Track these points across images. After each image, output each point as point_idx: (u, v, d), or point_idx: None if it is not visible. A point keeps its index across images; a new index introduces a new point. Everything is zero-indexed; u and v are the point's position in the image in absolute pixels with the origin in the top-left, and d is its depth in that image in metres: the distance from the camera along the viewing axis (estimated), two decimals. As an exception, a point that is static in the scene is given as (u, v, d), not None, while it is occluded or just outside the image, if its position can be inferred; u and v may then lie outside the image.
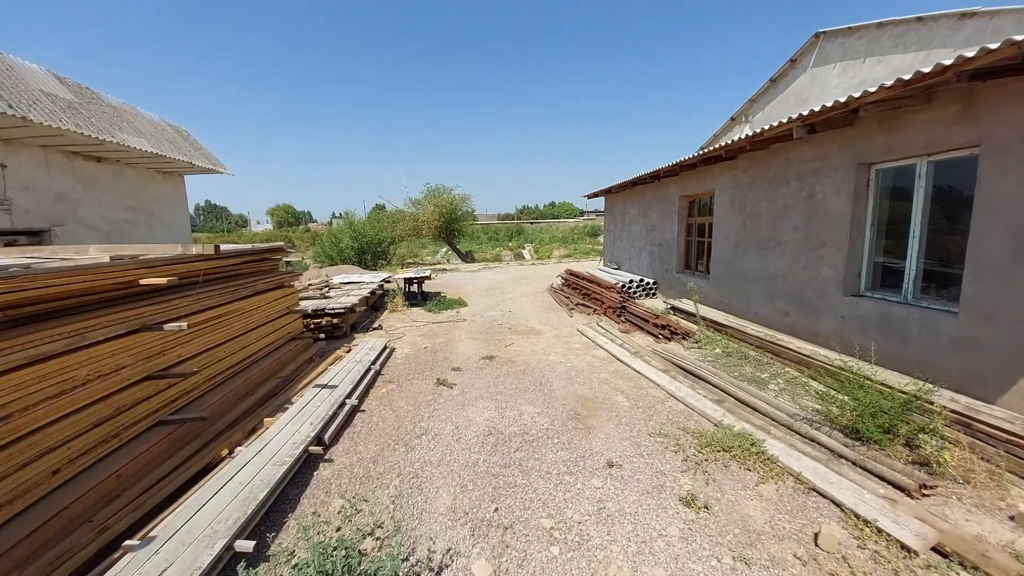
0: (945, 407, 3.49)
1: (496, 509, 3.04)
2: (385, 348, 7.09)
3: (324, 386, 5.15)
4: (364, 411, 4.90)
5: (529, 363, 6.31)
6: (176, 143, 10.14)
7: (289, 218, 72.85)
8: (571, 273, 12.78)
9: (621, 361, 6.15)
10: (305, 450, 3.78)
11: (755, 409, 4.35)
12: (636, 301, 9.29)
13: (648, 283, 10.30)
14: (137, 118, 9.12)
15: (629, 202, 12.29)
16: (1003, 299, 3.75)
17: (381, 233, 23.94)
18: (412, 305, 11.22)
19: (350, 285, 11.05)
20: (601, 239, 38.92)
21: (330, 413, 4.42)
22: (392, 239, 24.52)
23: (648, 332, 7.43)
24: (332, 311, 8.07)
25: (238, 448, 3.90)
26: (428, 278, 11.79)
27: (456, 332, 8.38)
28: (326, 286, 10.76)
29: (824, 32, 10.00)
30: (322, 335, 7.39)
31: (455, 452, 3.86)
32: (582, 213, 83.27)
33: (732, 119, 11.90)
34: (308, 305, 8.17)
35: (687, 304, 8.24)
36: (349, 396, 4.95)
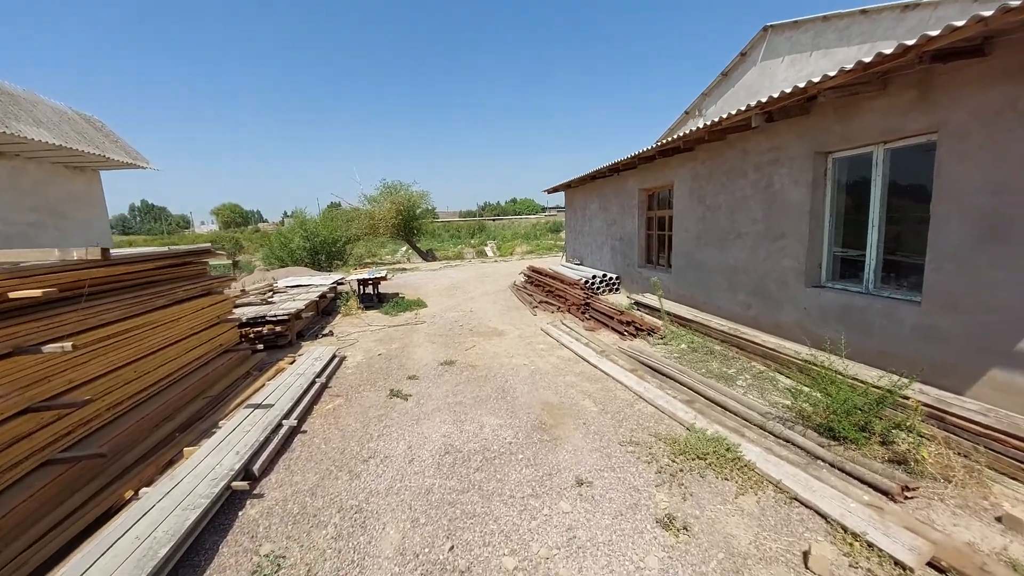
0: (918, 402, 3.36)
1: (451, 548, 2.62)
2: (334, 357, 6.48)
3: (258, 406, 4.54)
4: (305, 432, 4.34)
5: (491, 367, 5.91)
6: (87, 135, 8.99)
7: (236, 218, 68.90)
8: (533, 270, 12.47)
9: (587, 361, 5.85)
10: (227, 487, 3.21)
11: (726, 409, 4.14)
12: (600, 297, 9.07)
13: (611, 278, 10.12)
14: (38, 106, 7.96)
15: (589, 197, 12.10)
16: (965, 287, 3.68)
17: (335, 232, 22.80)
18: (367, 308, 10.55)
19: (297, 289, 10.25)
20: (563, 235, 39.09)
21: (262, 438, 3.85)
22: (347, 238, 23.41)
23: (613, 329, 7.19)
24: (274, 318, 7.35)
25: (144, 489, 3.27)
26: (384, 278, 11.14)
27: (414, 336, 7.85)
28: (269, 290, 9.92)
29: (772, 26, 10.12)
30: (260, 346, 6.67)
31: (407, 477, 3.40)
32: (544, 209, 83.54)
33: (687, 112, 11.94)
34: (246, 313, 7.41)
35: (651, 299, 8.08)
36: (287, 416, 4.38)
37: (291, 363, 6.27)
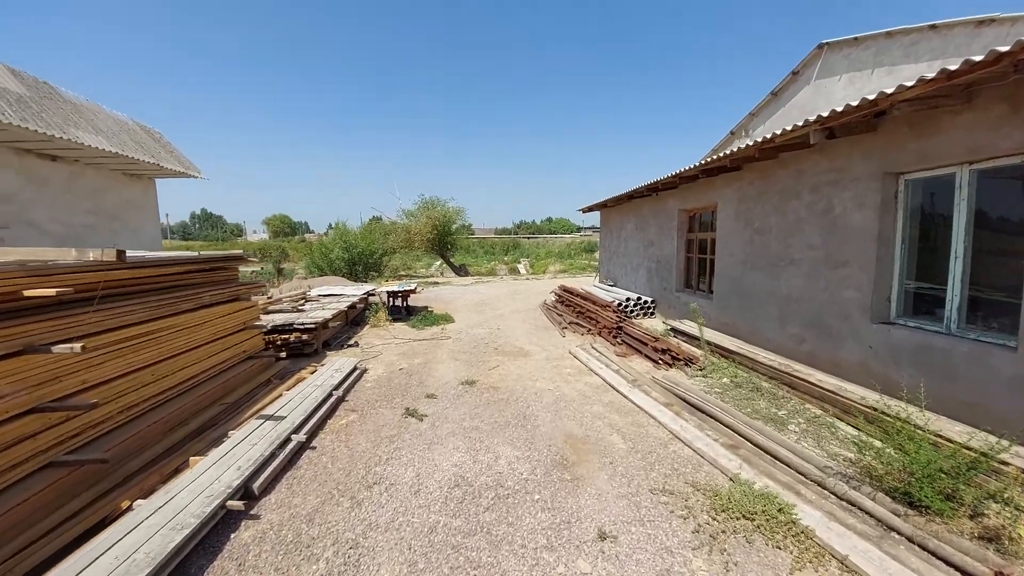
0: (1018, 468, 2.76)
1: (450, 604, 2.28)
2: (355, 369, 6.32)
3: (270, 417, 4.38)
4: (314, 448, 4.13)
5: (514, 390, 5.56)
6: (144, 144, 9.47)
7: (285, 228, 72.20)
8: (565, 289, 12.09)
9: (617, 391, 5.41)
10: (222, 506, 3.00)
11: (777, 458, 3.61)
12: (633, 321, 8.58)
13: (646, 302, 9.61)
14: (98, 115, 8.46)
15: (625, 217, 11.68)
16: (1080, 333, 3.06)
17: (372, 244, 23.27)
18: (395, 320, 10.47)
19: (329, 298, 10.31)
20: (598, 255, 38.45)
21: (267, 453, 3.65)
22: (384, 251, 23.83)
23: (647, 357, 6.70)
24: (301, 326, 7.31)
25: (139, 501, 3.11)
26: (414, 291, 11.07)
27: (438, 351, 7.63)
28: (302, 299, 10.01)
29: (828, 43, 9.54)
30: (283, 354, 6.59)
31: (410, 511, 3.09)
32: (579, 229, 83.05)
33: (732, 133, 11.40)
34: (275, 319, 7.42)
35: (689, 326, 7.54)
36: (297, 430, 4.18)
37: (312, 373, 6.15)
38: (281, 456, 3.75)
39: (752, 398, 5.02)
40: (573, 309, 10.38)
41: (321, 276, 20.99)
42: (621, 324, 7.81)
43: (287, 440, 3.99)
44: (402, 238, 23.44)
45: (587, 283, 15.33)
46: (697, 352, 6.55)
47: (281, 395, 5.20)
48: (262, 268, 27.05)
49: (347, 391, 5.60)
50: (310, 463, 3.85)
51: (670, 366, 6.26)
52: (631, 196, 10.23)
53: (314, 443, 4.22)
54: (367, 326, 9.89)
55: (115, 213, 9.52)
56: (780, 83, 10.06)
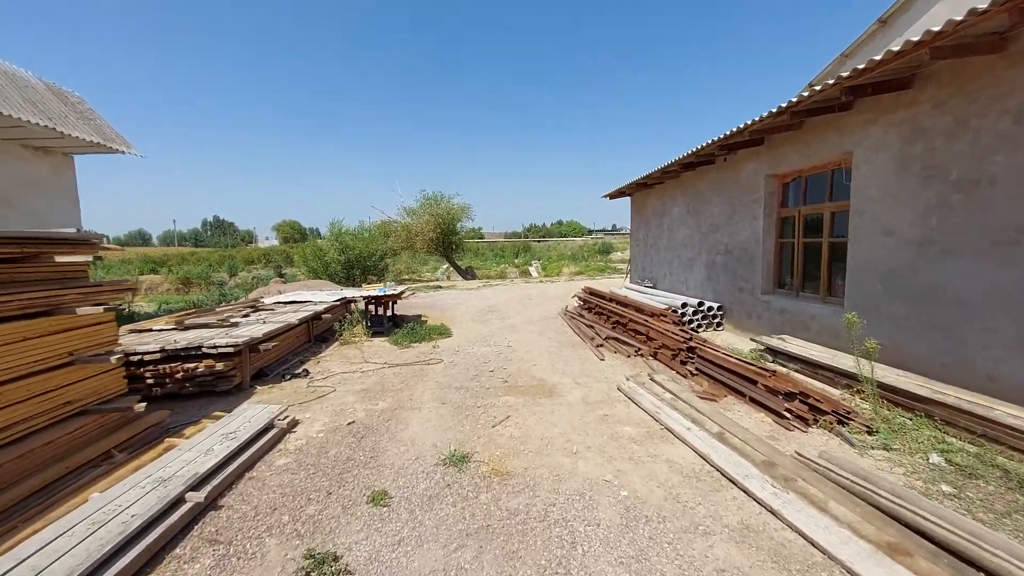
0: None
1: None
2: (270, 427, 3.70)
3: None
4: None
5: (538, 484, 2.89)
6: (44, 106, 7.02)
7: (295, 234, 70.62)
8: (592, 293, 9.38)
9: (744, 489, 2.70)
10: None
11: None
12: (702, 336, 5.84)
13: (711, 308, 6.86)
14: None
15: (669, 198, 8.95)
16: None
17: (370, 246, 20.78)
18: (376, 334, 7.88)
19: (289, 306, 7.74)
20: (614, 256, 35.51)
21: None
22: (383, 253, 21.33)
23: (757, 403, 3.97)
24: (213, 350, 4.73)
25: None
26: (400, 297, 8.45)
27: (419, 386, 4.98)
28: (250, 307, 7.45)
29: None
30: (148, 393, 3.97)
31: None
32: (590, 232, 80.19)
33: (844, 55, 8.33)
34: (178, 340, 4.85)
35: (798, 345, 4.80)
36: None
37: (202, 430, 3.57)
38: None
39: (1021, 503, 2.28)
40: (606, 319, 7.67)
41: (316, 279, 18.58)
42: (692, 344, 5.07)
43: None
44: (403, 238, 20.88)
45: (614, 285, 12.61)
46: (850, 401, 3.81)
47: (84, 501, 2.60)
48: (279, 273, 24.66)
49: (234, 481, 2.98)
50: None
51: (809, 424, 3.52)
52: (682, 167, 7.50)
53: None
54: (336, 343, 7.30)
55: (6, 196, 7.08)
56: (890, 8, 7.25)
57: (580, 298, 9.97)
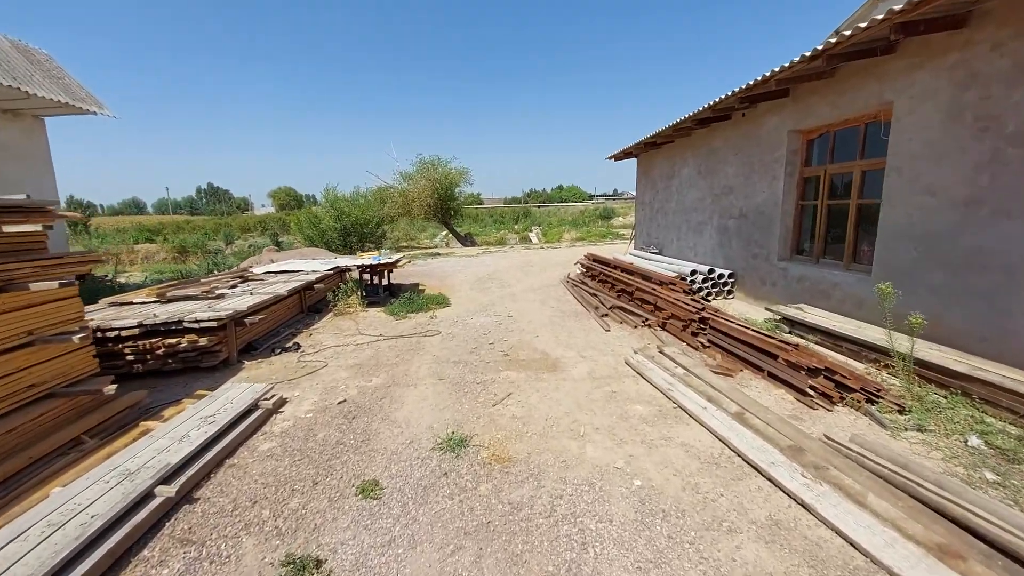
0: None
1: None
2: (253, 408, 3.45)
3: None
4: None
5: (542, 471, 2.64)
6: (13, 66, 6.43)
7: (291, 201, 69.25)
8: (595, 259, 9.01)
9: (771, 479, 2.45)
10: None
11: None
12: (713, 306, 5.53)
13: (722, 276, 6.52)
14: None
15: (679, 159, 8.42)
16: None
17: (367, 212, 20.19)
18: (371, 304, 7.59)
19: (280, 275, 7.41)
20: (615, 222, 34.78)
21: None
22: (379, 219, 20.76)
23: (776, 379, 3.70)
24: (196, 324, 4.43)
25: None
26: (396, 265, 8.10)
27: (415, 360, 4.72)
28: (238, 278, 7.11)
29: None
30: (129, 370, 3.70)
31: None
32: (591, 197, 78.59)
33: None
34: (157, 315, 4.54)
35: (814, 315, 4.50)
36: None
37: (181, 411, 3.32)
38: None
39: None
40: (611, 287, 7.34)
41: (312, 247, 18.16)
42: (704, 314, 4.76)
43: None
44: (399, 204, 20.26)
45: (615, 252, 12.23)
46: (877, 375, 3.53)
47: (47, 495, 2.35)
48: (276, 241, 24.30)
49: (210, 470, 2.73)
50: None
51: (834, 403, 3.25)
52: (695, 124, 6.94)
53: None
54: (330, 314, 7.02)
55: (-30, 161, 6.61)
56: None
57: (583, 265, 9.61)
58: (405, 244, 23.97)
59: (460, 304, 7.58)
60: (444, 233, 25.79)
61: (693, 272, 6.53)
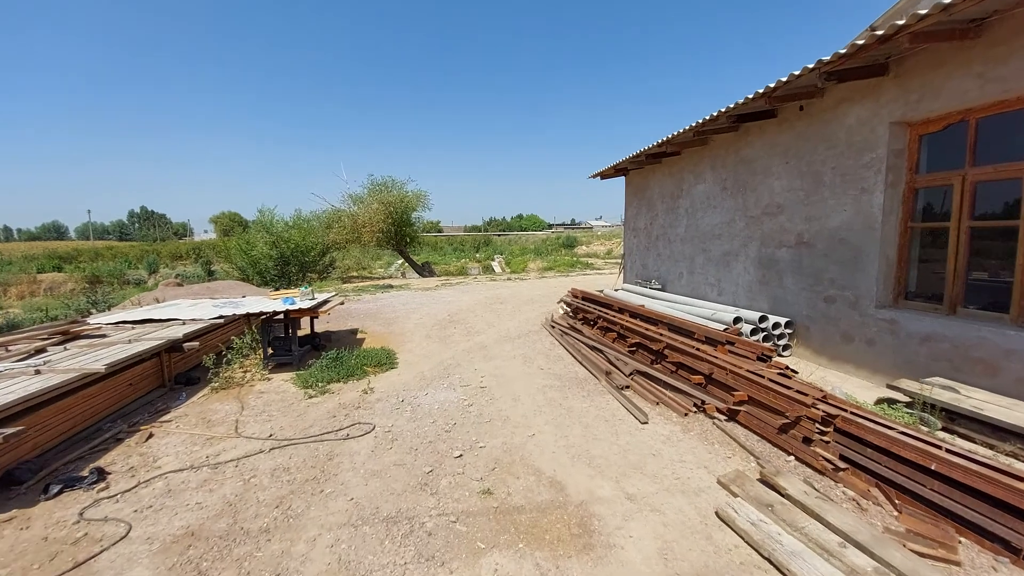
0: None
1: None
2: None
3: None
4: None
5: None
6: None
7: (235, 226, 64.00)
8: (585, 297, 7.05)
9: None
10: None
11: None
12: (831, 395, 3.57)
13: (776, 325, 4.67)
14: None
15: (689, 173, 6.73)
16: None
17: (309, 238, 17.43)
18: (281, 364, 5.17)
19: (138, 328, 4.84)
20: (579, 251, 33.46)
21: None
22: (324, 247, 18.03)
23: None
24: None
25: None
26: (318, 312, 5.65)
27: (308, 517, 2.39)
28: (62, 333, 4.47)
29: None
30: None
31: None
32: (550, 226, 78.34)
33: None
34: None
35: (987, 400, 2.64)
36: None
37: None
38: None
39: None
40: (617, 337, 5.34)
41: (227, 282, 15.11)
42: (828, 408, 2.77)
43: None
44: (348, 229, 17.71)
45: (599, 285, 10.40)
46: None
47: None
48: (208, 271, 20.87)
49: None
50: None
51: None
52: (728, 122, 5.22)
53: None
54: (207, 387, 4.53)
55: None
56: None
57: (568, 304, 7.62)
58: (355, 274, 21.22)
59: (411, 363, 5.29)
60: (400, 262, 23.28)
61: (737, 320, 4.66)
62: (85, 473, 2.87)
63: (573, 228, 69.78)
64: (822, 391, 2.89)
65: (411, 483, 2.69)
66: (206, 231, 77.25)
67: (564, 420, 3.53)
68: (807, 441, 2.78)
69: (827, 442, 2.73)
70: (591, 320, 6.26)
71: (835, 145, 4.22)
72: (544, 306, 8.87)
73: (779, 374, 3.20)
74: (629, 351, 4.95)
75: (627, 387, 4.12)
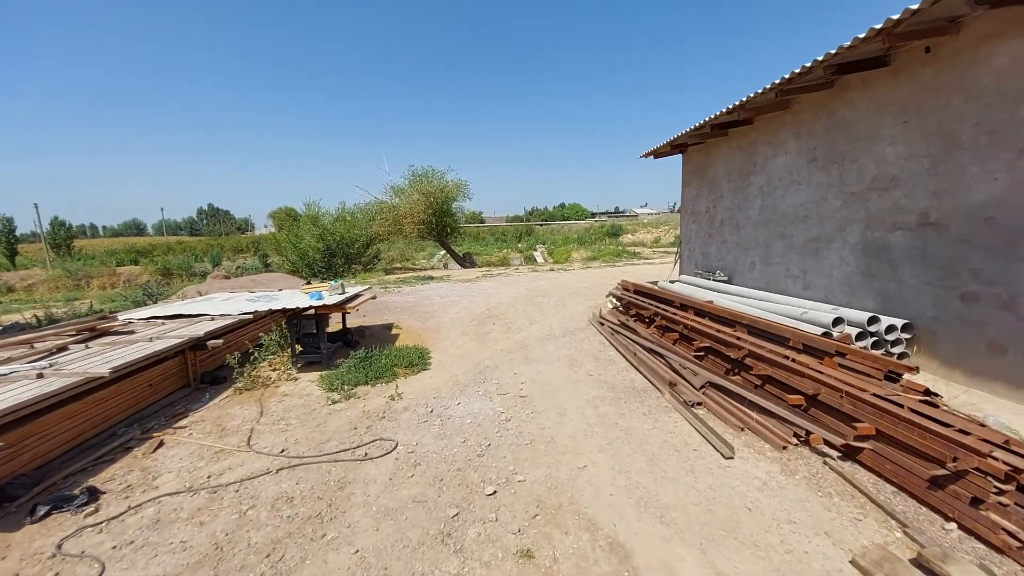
0: None
1: None
2: None
3: None
4: None
5: None
6: None
7: (291, 221, 67.22)
8: (638, 290, 6.26)
9: None
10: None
11: None
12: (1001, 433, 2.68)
13: (891, 329, 3.71)
14: None
15: (764, 144, 5.73)
16: None
17: (353, 230, 17.52)
18: (309, 363, 4.84)
19: (167, 324, 4.65)
20: (625, 239, 31.83)
21: None
22: (368, 238, 18.08)
23: None
24: None
25: None
26: (348, 309, 5.26)
27: (324, 547, 1.89)
28: (89, 329, 4.33)
29: None
30: None
31: None
32: (593, 215, 76.09)
33: None
34: None
35: None
36: None
37: None
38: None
39: None
40: (680, 338, 4.55)
41: (274, 275, 15.44)
42: (1016, 464, 1.94)
43: None
44: (389, 221, 17.62)
45: (652, 276, 9.49)
46: None
47: None
48: (265, 264, 21.82)
49: None
50: None
51: None
52: (827, 72, 4.25)
53: None
54: (231, 388, 4.24)
55: None
56: None
57: (617, 297, 6.85)
58: (399, 265, 21.27)
59: (444, 364, 4.79)
60: (442, 253, 23.12)
61: (837, 321, 3.75)
62: (76, 493, 2.56)
63: (617, 216, 67.41)
64: (1003, 435, 2.03)
65: (431, 531, 2.14)
66: (266, 225, 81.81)
67: (622, 447, 2.86)
68: (976, 502, 1.95)
69: (1005, 504, 1.90)
70: (646, 318, 5.48)
71: (979, 95, 3.19)
72: (590, 299, 8.12)
73: (922, 401, 2.35)
74: (696, 356, 4.16)
75: (699, 403, 3.37)
